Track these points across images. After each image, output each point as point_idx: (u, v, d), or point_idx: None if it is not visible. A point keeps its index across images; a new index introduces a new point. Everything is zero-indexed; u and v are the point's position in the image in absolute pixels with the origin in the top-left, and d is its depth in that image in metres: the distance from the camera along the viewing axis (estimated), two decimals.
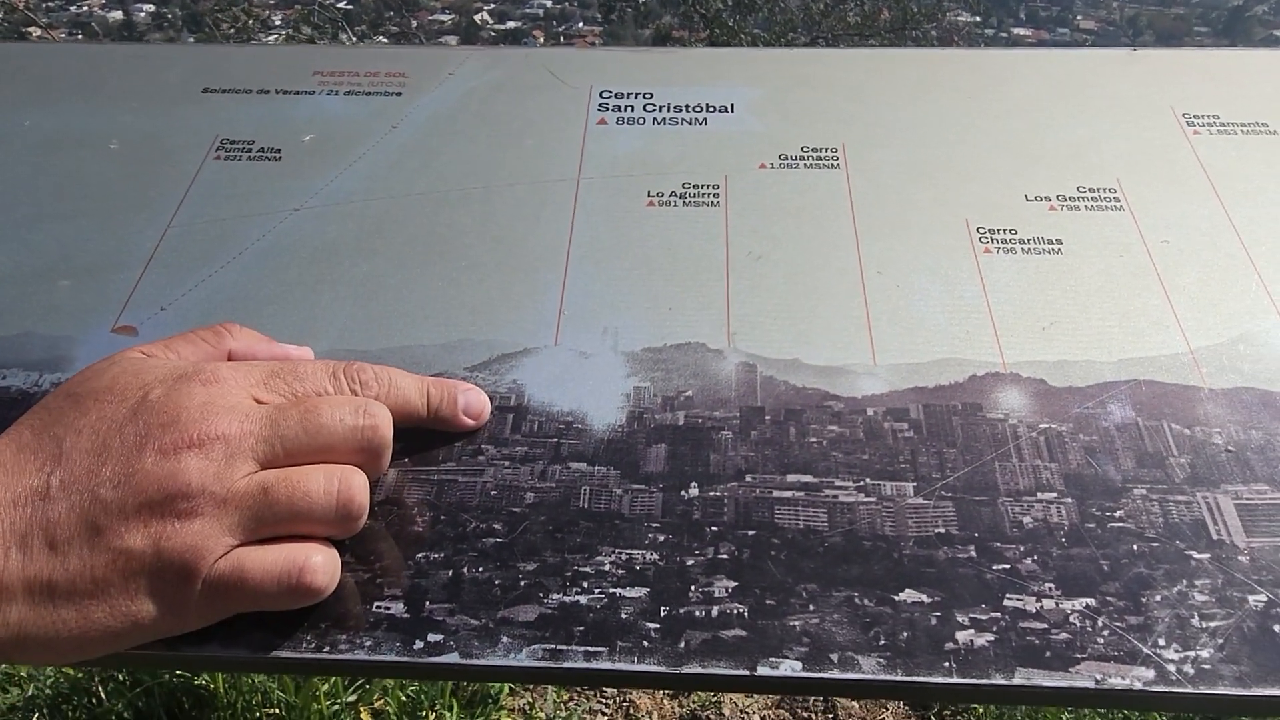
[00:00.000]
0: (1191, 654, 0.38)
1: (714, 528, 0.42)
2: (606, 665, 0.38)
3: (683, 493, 0.43)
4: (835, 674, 0.38)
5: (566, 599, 0.40)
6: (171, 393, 0.38)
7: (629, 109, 0.61)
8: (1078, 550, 0.41)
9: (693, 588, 0.40)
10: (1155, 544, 0.41)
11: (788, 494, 0.43)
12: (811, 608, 0.39)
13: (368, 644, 0.38)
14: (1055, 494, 0.43)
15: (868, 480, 0.43)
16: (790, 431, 0.45)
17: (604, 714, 2.13)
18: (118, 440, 0.36)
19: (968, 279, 0.51)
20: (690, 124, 0.60)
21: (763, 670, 0.38)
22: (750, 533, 0.42)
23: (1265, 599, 0.39)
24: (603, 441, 0.45)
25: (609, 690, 2.17)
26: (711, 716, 2.06)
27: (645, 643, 0.38)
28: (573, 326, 0.49)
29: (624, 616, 0.39)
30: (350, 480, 0.39)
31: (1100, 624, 0.39)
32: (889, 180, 0.56)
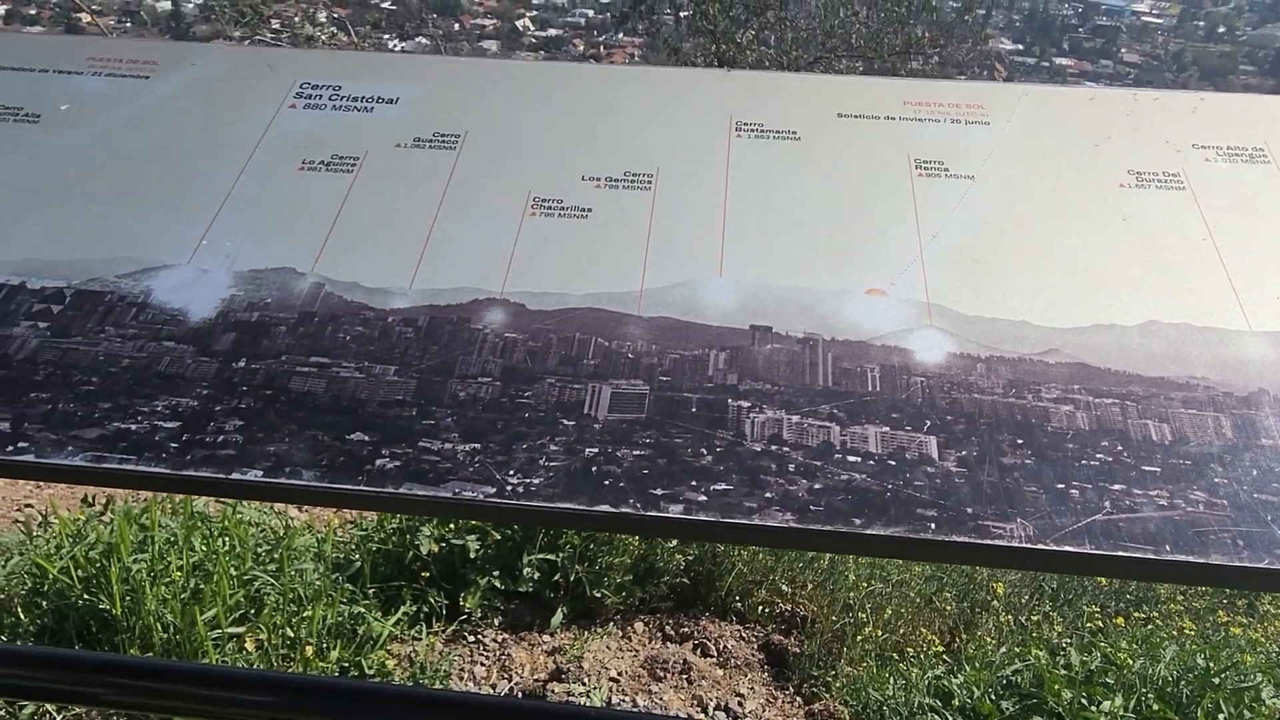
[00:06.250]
0: (527, 480, 0.55)
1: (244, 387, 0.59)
2: None
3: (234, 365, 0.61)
4: (285, 480, 0.55)
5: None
6: None
7: (318, 98, 0.79)
8: (489, 414, 0.58)
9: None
10: (542, 413, 0.58)
11: (309, 370, 0.61)
12: (296, 442, 0.57)
13: None
14: (490, 379, 0.60)
15: (366, 363, 0.61)
16: (328, 330, 0.63)
17: (482, 664, 2.30)
18: None
19: (507, 234, 0.68)
20: (360, 111, 0.78)
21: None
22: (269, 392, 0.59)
23: (597, 450, 0.56)
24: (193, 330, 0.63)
25: (489, 642, 2.34)
26: (573, 669, 2.22)
27: None
28: (207, 250, 0.67)
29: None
30: None
31: (477, 460, 0.56)
32: (487, 161, 0.73)
